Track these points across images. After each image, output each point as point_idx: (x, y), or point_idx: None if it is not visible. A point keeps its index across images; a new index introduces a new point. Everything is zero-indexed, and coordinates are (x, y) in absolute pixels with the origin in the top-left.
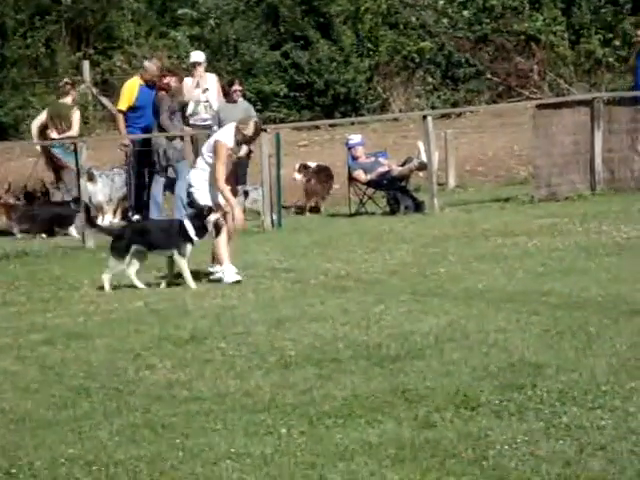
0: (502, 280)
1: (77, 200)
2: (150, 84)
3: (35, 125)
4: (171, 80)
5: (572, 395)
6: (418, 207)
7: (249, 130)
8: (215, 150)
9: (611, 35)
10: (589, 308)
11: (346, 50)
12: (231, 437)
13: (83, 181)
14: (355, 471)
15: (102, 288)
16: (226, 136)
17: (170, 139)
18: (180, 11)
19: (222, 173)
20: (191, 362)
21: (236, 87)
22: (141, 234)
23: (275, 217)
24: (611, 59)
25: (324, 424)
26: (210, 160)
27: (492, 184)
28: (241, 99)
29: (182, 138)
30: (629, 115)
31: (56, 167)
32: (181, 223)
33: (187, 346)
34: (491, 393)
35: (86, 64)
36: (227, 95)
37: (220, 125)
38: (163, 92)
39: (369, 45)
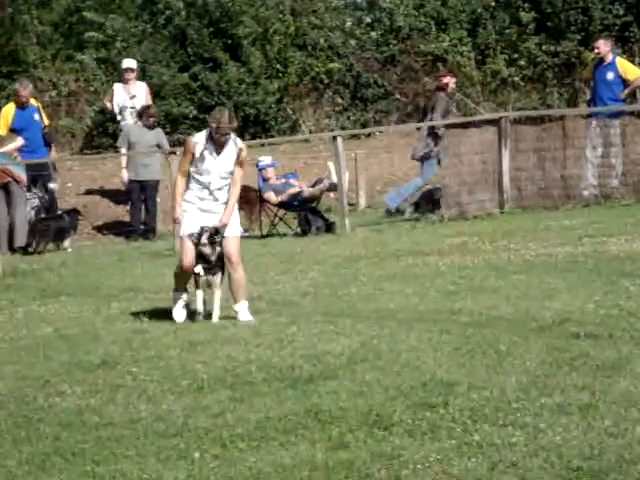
0: (413, 299)
1: (70, 212)
2: (22, 106)
3: None
4: (450, 81)
5: (483, 413)
6: (329, 228)
7: (224, 119)
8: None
9: (516, 55)
10: (499, 326)
11: (255, 72)
12: (143, 463)
13: None
14: None
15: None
16: (198, 135)
17: (433, 138)
18: (87, 34)
19: (182, 168)
20: (102, 388)
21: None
22: None
23: None
24: (516, 78)
25: (237, 447)
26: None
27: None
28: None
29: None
30: (535, 134)
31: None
32: None
33: (98, 371)
34: (404, 412)
35: None
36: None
37: (129, 148)
38: (441, 92)
39: (278, 66)
